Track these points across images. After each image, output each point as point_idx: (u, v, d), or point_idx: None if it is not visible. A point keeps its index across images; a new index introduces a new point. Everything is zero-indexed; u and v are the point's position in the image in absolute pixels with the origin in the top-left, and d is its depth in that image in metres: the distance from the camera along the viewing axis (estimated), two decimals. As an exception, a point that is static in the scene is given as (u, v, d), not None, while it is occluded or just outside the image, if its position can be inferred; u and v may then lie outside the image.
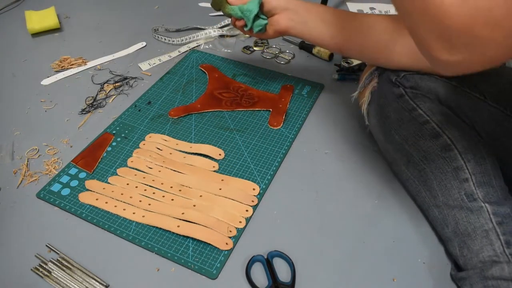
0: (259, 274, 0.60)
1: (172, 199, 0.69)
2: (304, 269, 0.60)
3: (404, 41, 0.65)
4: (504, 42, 0.38)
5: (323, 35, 0.74)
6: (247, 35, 1.07)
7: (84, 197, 0.69)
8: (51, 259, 0.61)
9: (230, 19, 1.11)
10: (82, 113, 0.86)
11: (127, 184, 0.71)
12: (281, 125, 0.82)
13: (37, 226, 0.66)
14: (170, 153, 0.76)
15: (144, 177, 0.72)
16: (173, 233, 0.64)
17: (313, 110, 0.86)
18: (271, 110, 0.85)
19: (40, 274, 0.60)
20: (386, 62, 0.69)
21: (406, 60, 0.66)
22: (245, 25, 0.78)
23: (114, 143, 0.79)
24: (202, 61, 0.99)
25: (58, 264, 0.61)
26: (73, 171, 0.74)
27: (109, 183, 0.72)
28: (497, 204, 0.57)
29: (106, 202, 0.68)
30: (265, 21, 0.77)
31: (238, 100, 0.87)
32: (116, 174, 0.73)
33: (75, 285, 0.58)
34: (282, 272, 0.60)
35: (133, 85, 0.93)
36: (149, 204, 0.68)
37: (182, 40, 1.05)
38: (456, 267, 0.59)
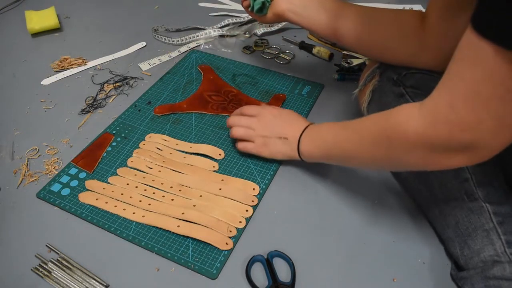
0: (259, 274, 0.60)
1: (172, 199, 0.69)
2: (304, 269, 0.60)
3: (407, 42, 0.65)
4: (492, 131, 0.42)
5: (320, 22, 0.74)
6: (247, 35, 1.07)
7: (84, 197, 0.69)
8: (51, 259, 0.61)
9: (230, 19, 1.12)
10: (82, 113, 0.86)
11: (127, 184, 0.71)
12: None
13: (37, 226, 0.66)
14: (170, 153, 0.76)
15: (144, 177, 0.72)
16: (173, 233, 0.64)
17: (313, 110, 0.86)
18: None
19: (40, 274, 0.60)
20: (381, 56, 0.70)
21: (404, 58, 0.67)
22: (250, 6, 0.81)
23: (114, 143, 0.79)
24: (202, 61, 0.99)
25: (58, 264, 0.61)
26: (73, 171, 0.74)
27: (109, 183, 0.72)
28: (498, 204, 0.57)
29: (106, 202, 0.68)
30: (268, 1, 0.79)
31: (225, 105, 0.86)
32: (116, 174, 0.73)
33: (75, 285, 0.58)
34: (282, 272, 0.60)
35: (133, 85, 0.93)
36: (149, 204, 0.68)
37: (182, 40, 1.05)
38: (457, 266, 0.59)
